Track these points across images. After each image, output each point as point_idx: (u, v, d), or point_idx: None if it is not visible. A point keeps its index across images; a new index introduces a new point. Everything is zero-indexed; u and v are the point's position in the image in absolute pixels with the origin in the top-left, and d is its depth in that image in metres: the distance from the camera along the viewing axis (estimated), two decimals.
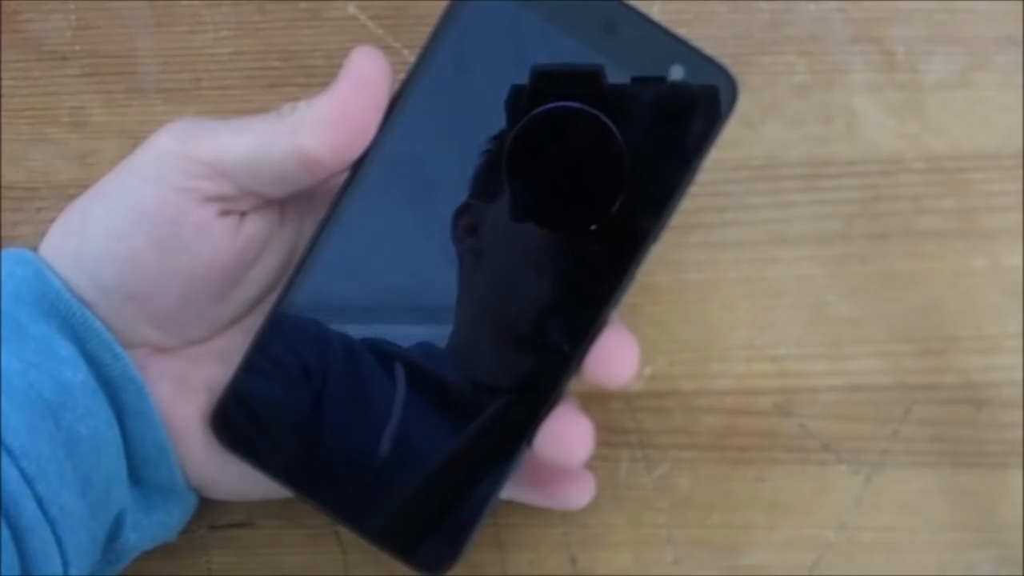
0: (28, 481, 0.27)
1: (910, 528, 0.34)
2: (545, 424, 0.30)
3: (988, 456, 0.34)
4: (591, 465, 0.35)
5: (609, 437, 0.35)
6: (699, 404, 0.35)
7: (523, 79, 0.29)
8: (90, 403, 0.29)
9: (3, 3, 0.36)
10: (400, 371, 0.30)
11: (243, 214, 0.30)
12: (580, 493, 0.32)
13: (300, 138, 0.28)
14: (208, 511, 0.34)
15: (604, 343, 0.30)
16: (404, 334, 0.30)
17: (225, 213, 0.30)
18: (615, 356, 0.30)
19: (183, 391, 0.31)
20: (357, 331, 0.30)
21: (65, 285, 0.29)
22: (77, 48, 0.36)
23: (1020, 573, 0.34)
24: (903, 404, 0.35)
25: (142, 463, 0.31)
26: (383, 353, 0.30)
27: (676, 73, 0.29)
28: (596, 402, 0.34)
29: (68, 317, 0.29)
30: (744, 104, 0.35)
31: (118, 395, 0.30)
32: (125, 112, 0.36)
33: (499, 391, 0.30)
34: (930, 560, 0.34)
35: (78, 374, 0.29)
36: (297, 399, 0.30)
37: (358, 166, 0.29)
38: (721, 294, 0.35)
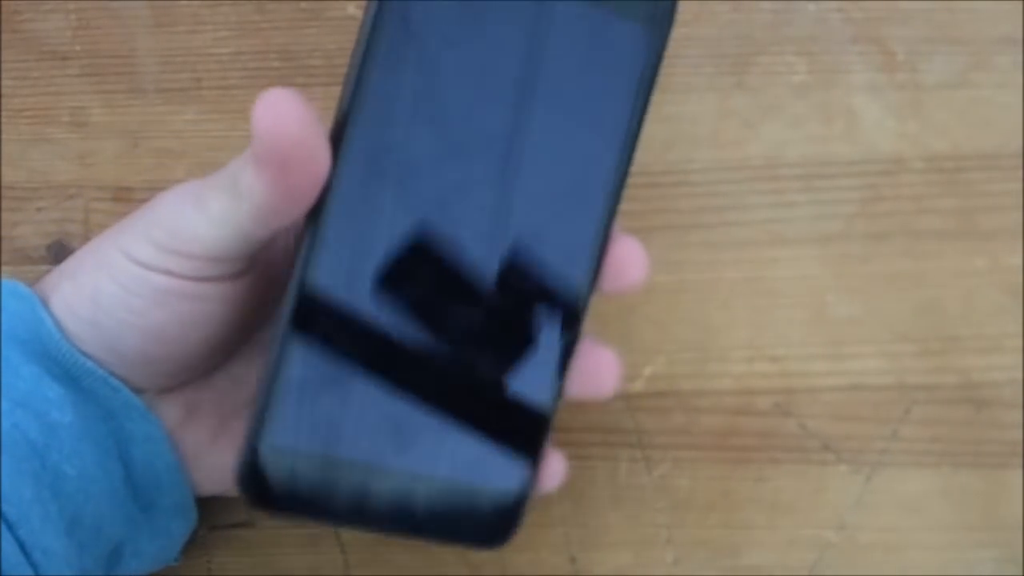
0: (9, 526, 0.27)
1: (910, 528, 0.34)
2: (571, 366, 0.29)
3: (988, 456, 0.34)
4: (591, 464, 0.35)
5: (609, 437, 0.35)
6: (699, 404, 0.35)
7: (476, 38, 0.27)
8: (77, 444, 0.29)
9: (3, 3, 0.36)
10: (410, 361, 0.28)
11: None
12: (551, 476, 0.30)
13: (249, 230, 0.27)
14: (208, 511, 0.34)
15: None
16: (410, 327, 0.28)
17: (235, 277, 0.29)
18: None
19: (193, 414, 0.31)
20: (367, 328, 0.28)
21: (57, 325, 0.29)
22: (77, 48, 0.36)
23: (1020, 573, 0.34)
24: (903, 404, 0.35)
25: (153, 489, 0.30)
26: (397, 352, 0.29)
27: None
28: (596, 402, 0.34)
29: (59, 359, 0.29)
30: (744, 104, 0.36)
31: (123, 424, 0.30)
32: (125, 112, 0.36)
33: (516, 354, 0.28)
34: (930, 560, 0.34)
35: (65, 416, 0.29)
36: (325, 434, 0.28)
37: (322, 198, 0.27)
38: (721, 294, 0.35)
